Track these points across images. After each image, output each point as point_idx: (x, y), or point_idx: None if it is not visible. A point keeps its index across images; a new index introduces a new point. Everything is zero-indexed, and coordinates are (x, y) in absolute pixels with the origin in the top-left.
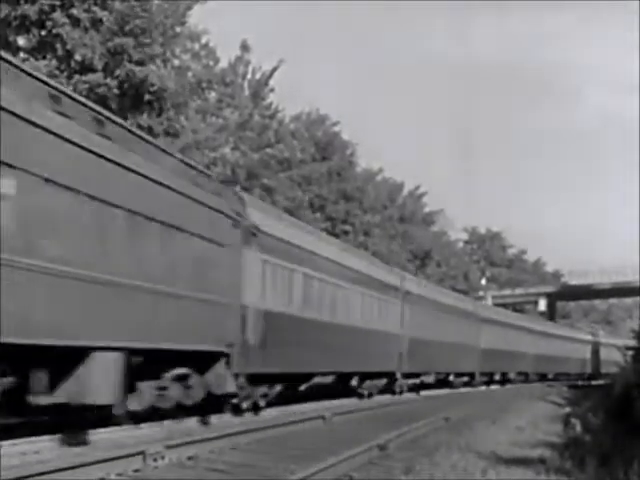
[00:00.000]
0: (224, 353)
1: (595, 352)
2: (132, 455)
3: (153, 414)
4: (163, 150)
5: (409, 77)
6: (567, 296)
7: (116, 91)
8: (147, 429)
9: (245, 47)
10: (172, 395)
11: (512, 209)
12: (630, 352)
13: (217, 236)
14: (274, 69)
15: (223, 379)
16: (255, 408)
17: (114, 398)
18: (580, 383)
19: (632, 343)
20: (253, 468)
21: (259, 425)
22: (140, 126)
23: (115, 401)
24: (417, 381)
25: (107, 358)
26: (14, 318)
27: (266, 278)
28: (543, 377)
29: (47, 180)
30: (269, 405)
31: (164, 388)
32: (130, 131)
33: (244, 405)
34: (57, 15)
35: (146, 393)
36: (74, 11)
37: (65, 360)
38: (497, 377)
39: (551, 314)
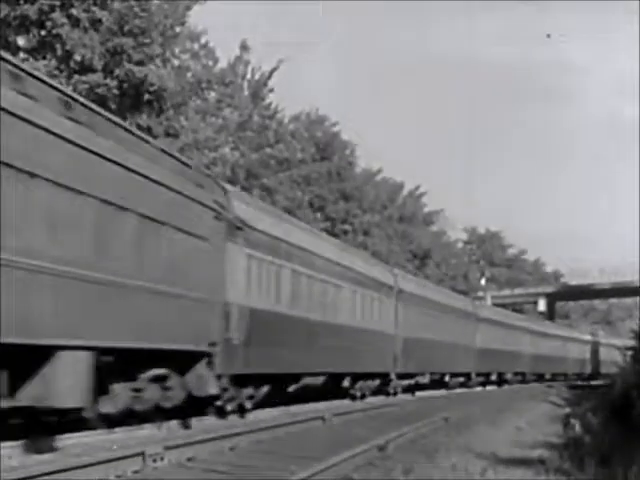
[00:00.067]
0: (206, 353)
1: (594, 352)
2: (131, 456)
3: (129, 417)
4: (139, 137)
5: (409, 77)
6: (567, 296)
7: (115, 91)
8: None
9: (245, 47)
10: (149, 397)
11: (512, 209)
12: (630, 352)
13: (197, 229)
14: (273, 69)
15: (204, 380)
16: (241, 410)
17: (83, 401)
18: (579, 383)
19: (632, 343)
20: (253, 468)
21: (255, 427)
22: (140, 126)
23: (85, 404)
24: (412, 382)
25: (74, 358)
26: None
27: (252, 274)
28: (540, 377)
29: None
30: (257, 407)
31: (140, 390)
32: (100, 114)
33: (228, 407)
34: (57, 15)
35: (120, 395)
36: (73, 11)
37: (28, 360)
38: (494, 377)
39: (551, 314)
